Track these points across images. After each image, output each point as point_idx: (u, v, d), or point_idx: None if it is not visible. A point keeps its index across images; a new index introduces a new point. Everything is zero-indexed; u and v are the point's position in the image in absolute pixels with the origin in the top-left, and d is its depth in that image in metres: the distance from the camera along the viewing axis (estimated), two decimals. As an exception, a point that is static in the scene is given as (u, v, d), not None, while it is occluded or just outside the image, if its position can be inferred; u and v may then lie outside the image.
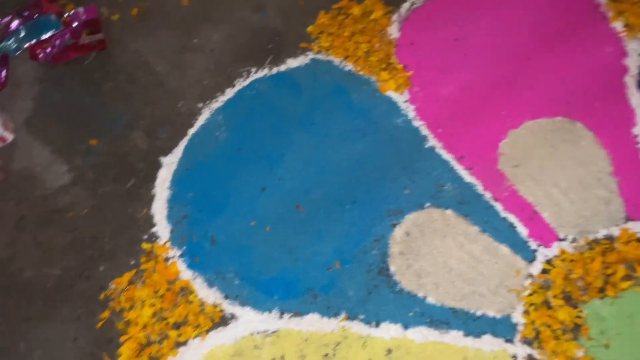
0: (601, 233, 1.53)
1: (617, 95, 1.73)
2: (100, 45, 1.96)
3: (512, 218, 1.58)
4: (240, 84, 1.88)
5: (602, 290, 1.45)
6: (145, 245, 1.65)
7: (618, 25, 1.83)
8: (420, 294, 1.51)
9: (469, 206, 1.61)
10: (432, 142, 1.72)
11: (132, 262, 1.63)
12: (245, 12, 2.02)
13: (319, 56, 1.91)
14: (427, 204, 1.62)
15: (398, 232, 1.59)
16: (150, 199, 1.72)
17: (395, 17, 1.96)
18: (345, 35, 1.91)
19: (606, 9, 1.87)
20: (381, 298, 1.51)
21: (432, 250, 1.56)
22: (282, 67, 1.90)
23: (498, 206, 1.60)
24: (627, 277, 1.46)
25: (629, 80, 1.74)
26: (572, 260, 1.49)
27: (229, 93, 1.87)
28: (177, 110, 1.84)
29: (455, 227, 1.58)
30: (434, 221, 1.60)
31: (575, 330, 1.41)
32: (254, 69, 1.90)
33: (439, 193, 1.64)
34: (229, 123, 1.81)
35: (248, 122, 1.80)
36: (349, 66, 1.87)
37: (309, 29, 1.95)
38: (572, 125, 1.70)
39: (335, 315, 1.51)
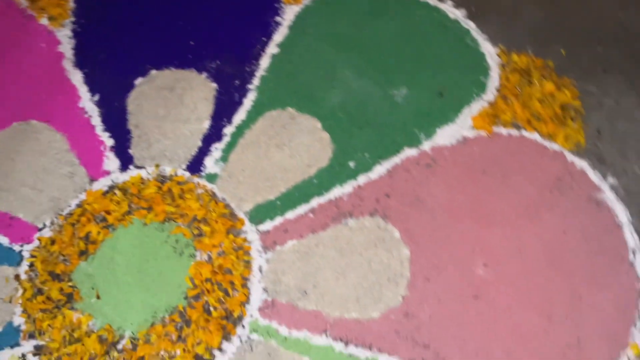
0: (73, 204, 1.65)
1: (59, 80, 1.86)
2: None
3: (-8, 236, 1.62)
4: None
5: (84, 252, 1.57)
6: None
7: (44, 20, 1.98)
8: None
9: (-50, 248, 1.60)
10: None
11: None
12: None
13: None
14: None
15: None
16: None
17: None
18: None
19: (30, 11, 1.99)
20: None
21: None
22: None
23: (-22, 233, 1.62)
24: (103, 229, 1.61)
25: (67, 63, 1.89)
26: (53, 242, 1.59)
27: None
28: None
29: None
30: None
31: (70, 299, 1.51)
32: None
33: None
34: None
35: None
36: None
37: None
38: (29, 126, 1.78)
39: None
